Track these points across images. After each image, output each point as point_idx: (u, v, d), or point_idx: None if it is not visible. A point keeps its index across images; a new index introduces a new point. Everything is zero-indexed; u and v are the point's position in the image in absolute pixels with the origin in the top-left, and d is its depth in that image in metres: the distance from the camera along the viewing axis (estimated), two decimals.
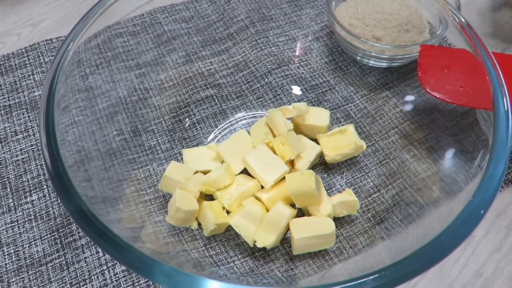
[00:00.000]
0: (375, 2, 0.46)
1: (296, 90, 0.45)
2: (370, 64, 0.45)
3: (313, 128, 0.40)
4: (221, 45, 0.47)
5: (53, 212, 0.38)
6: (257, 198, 0.36)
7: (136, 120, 0.39)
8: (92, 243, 0.36)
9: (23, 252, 0.36)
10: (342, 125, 0.42)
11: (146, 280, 0.34)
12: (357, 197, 0.36)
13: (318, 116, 0.40)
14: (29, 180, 0.40)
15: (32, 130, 0.43)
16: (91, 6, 0.33)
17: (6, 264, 0.35)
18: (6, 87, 0.46)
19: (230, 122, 0.43)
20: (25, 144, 0.42)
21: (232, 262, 0.34)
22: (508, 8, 0.55)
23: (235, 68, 0.46)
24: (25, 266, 0.35)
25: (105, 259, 0.36)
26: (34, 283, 0.34)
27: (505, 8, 0.55)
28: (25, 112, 0.44)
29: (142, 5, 0.38)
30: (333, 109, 0.43)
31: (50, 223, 0.37)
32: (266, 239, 0.33)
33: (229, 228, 0.36)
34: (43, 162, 0.38)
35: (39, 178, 0.40)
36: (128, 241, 0.23)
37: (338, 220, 0.36)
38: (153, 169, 0.38)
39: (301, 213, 0.36)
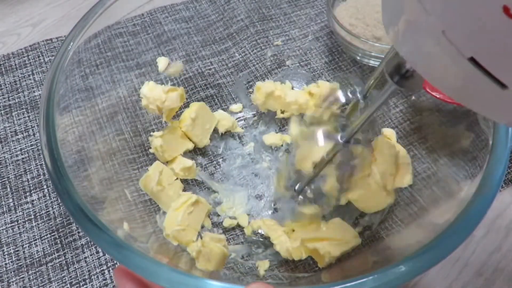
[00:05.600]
0: (375, 2, 0.46)
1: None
2: (370, 64, 0.45)
3: None
4: (221, 45, 0.47)
5: (53, 212, 0.38)
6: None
7: (136, 120, 0.39)
8: (92, 243, 0.36)
9: (23, 252, 0.36)
10: None
11: None
12: None
13: None
14: (29, 180, 0.40)
15: (32, 130, 0.43)
16: (91, 6, 0.33)
17: (6, 264, 0.35)
18: (6, 87, 0.46)
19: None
20: (25, 144, 0.42)
21: (232, 262, 0.34)
22: None
23: (235, 68, 0.46)
24: (25, 266, 0.35)
25: (105, 259, 0.36)
26: (34, 283, 0.34)
27: None
28: (25, 112, 0.44)
29: (142, 5, 0.38)
30: None
31: (50, 223, 0.37)
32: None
33: (228, 229, 0.36)
34: (43, 162, 0.38)
35: (39, 178, 0.40)
36: (128, 241, 0.23)
37: None
38: None
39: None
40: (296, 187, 0.35)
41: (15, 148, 0.42)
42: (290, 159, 0.38)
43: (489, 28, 0.14)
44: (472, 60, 0.16)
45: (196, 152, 0.41)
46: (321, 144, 0.33)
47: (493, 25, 0.14)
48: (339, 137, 0.29)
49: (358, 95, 0.31)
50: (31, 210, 0.38)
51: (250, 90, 0.45)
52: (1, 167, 0.40)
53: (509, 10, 0.13)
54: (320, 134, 0.33)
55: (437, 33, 0.16)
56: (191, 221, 0.34)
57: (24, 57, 0.49)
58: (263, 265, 0.33)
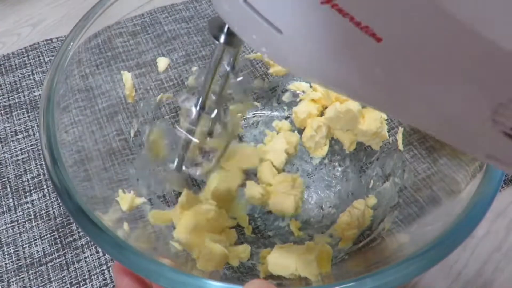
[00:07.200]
0: None
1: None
2: None
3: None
4: None
5: (53, 212, 0.38)
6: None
7: (136, 120, 0.39)
8: (92, 243, 0.36)
9: (23, 252, 0.36)
10: None
11: None
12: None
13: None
14: (29, 180, 0.40)
15: (32, 130, 0.43)
16: (91, 6, 0.33)
17: (6, 264, 0.35)
18: (6, 87, 0.46)
19: None
20: (25, 144, 0.42)
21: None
22: None
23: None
24: (25, 266, 0.35)
25: (105, 259, 0.36)
26: (34, 283, 0.34)
27: None
28: (25, 112, 0.44)
29: (142, 5, 0.38)
30: None
31: (50, 223, 0.37)
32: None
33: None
34: (43, 162, 0.38)
35: (39, 178, 0.40)
36: (128, 241, 0.23)
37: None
38: (153, 169, 0.38)
39: None
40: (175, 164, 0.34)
41: (15, 148, 0.42)
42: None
43: None
44: (246, 2, 0.16)
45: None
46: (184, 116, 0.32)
47: None
48: (193, 106, 0.29)
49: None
50: (31, 210, 0.38)
51: None
52: (1, 167, 0.40)
53: None
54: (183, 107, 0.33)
55: None
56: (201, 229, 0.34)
57: (24, 57, 0.49)
58: (263, 266, 0.33)
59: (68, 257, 0.36)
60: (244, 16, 0.17)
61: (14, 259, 0.35)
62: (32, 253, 0.36)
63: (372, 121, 0.38)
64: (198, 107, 0.29)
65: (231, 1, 0.17)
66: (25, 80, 0.47)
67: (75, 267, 0.35)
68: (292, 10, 0.15)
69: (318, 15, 0.14)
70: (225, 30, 0.23)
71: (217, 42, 0.23)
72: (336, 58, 0.16)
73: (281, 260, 0.31)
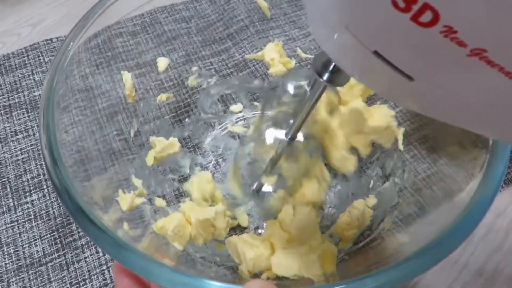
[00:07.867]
0: None
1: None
2: None
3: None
4: (221, 45, 0.47)
5: (53, 212, 0.38)
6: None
7: (136, 120, 0.39)
8: (92, 243, 0.36)
9: (23, 252, 0.36)
10: None
11: None
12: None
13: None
14: (29, 180, 0.40)
15: (32, 130, 0.43)
16: (91, 6, 0.33)
17: (6, 264, 0.35)
18: (6, 87, 0.46)
19: (230, 122, 0.43)
20: (25, 144, 0.42)
21: (232, 261, 0.34)
22: None
23: (235, 68, 0.46)
24: (25, 266, 0.35)
25: (105, 259, 0.36)
26: (34, 283, 0.34)
27: None
28: (25, 112, 0.44)
29: (142, 5, 0.38)
30: None
31: (50, 223, 0.37)
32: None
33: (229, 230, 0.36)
34: (43, 162, 0.38)
35: (39, 178, 0.40)
36: (128, 241, 0.23)
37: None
38: (153, 169, 0.38)
39: None
40: (254, 187, 0.35)
41: (15, 148, 0.42)
42: (245, 150, 0.38)
43: (382, 21, 0.14)
44: (377, 53, 0.16)
45: (195, 152, 0.41)
46: (269, 142, 0.34)
47: (385, 18, 0.14)
48: (284, 135, 0.30)
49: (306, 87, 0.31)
50: (31, 210, 0.38)
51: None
52: (1, 167, 0.40)
53: (397, 3, 0.13)
54: (268, 132, 0.35)
55: (342, 28, 0.16)
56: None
57: (24, 57, 0.49)
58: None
59: (68, 257, 0.36)
60: (369, 64, 0.16)
61: (14, 259, 0.35)
62: (32, 253, 0.36)
63: (383, 116, 0.38)
64: (289, 137, 0.30)
65: (355, 51, 0.16)
66: (25, 80, 0.47)
67: (75, 267, 0.35)
68: (432, 62, 0.15)
69: (462, 66, 0.14)
70: (330, 68, 0.23)
71: (320, 79, 0.23)
72: (477, 104, 0.16)
73: (284, 261, 0.31)
